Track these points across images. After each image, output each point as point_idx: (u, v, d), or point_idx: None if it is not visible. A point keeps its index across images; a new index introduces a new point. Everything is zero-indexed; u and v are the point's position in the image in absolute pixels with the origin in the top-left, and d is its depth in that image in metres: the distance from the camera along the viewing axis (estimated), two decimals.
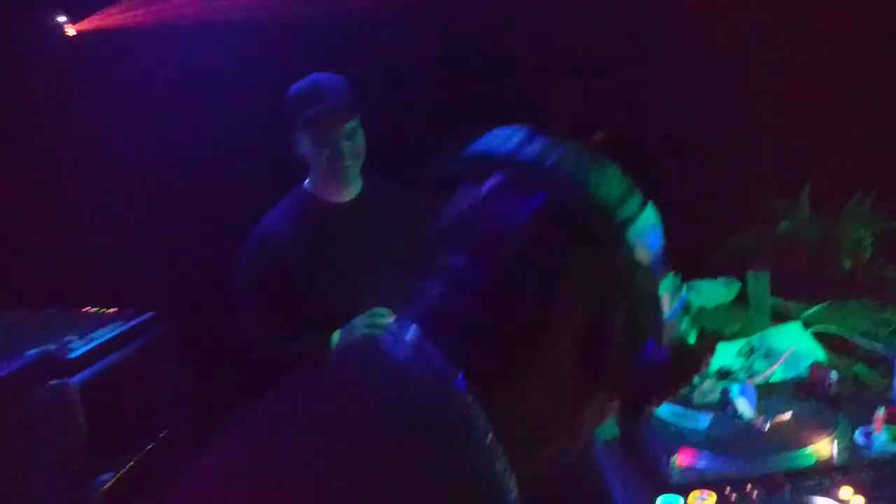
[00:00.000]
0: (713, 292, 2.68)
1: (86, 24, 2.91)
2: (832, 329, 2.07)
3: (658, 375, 0.68)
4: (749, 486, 1.23)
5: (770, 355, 1.97)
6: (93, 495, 2.01)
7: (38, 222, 2.83)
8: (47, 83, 2.77)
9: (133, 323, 2.39)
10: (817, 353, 1.87)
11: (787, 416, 1.48)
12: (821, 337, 2.04)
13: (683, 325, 0.71)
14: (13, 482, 1.79)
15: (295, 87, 1.90)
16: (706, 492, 1.24)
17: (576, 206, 0.64)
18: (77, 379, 2.02)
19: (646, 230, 0.66)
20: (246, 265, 1.91)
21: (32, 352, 1.86)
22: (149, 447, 2.35)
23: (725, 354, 2.05)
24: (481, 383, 0.62)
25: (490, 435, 0.61)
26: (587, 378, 0.66)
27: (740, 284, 2.56)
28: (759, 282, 2.45)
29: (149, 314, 2.47)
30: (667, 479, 1.32)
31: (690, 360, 0.72)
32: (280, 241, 1.89)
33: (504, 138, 0.68)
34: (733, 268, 2.60)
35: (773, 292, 2.52)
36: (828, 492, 1.19)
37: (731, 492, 1.23)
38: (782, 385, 1.69)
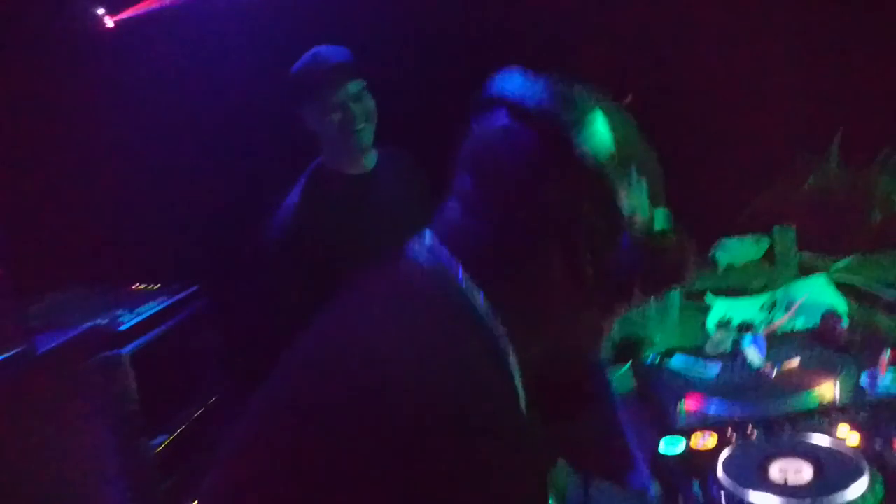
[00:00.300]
0: (742, 250, 2.69)
1: (122, 15, 3.04)
2: (855, 280, 2.08)
3: (637, 268, 0.79)
4: (749, 426, 1.28)
5: (791, 308, 1.99)
6: (148, 456, 2.17)
7: (87, 208, 3.00)
8: (87, 70, 2.91)
9: (177, 297, 2.53)
10: (838, 303, 1.88)
11: (795, 362, 1.51)
12: (847, 289, 2.04)
13: (660, 222, 0.82)
14: (75, 445, 1.95)
15: (297, 63, 1.94)
16: (708, 432, 1.29)
17: (545, 126, 0.77)
18: (127, 350, 2.17)
19: (595, 134, 0.77)
20: (273, 247, 1.96)
21: (85, 325, 1.99)
22: (199, 412, 2.51)
23: (748, 309, 2.07)
24: (484, 279, 0.78)
25: (490, 315, 0.77)
26: (572, 276, 0.78)
27: (769, 241, 2.56)
28: (785, 236, 2.45)
29: (192, 289, 2.61)
30: (673, 423, 1.37)
31: (671, 252, 0.81)
32: (302, 219, 1.93)
33: (506, 79, 0.84)
34: (763, 225, 2.60)
35: (803, 247, 2.52)
36: (826, 430, 1.23)
37: (732, 432, 1.27)
38: (795, 334, 1.72)
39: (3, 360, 1.49)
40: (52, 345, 1.76)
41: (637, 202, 0.80)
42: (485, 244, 0.80)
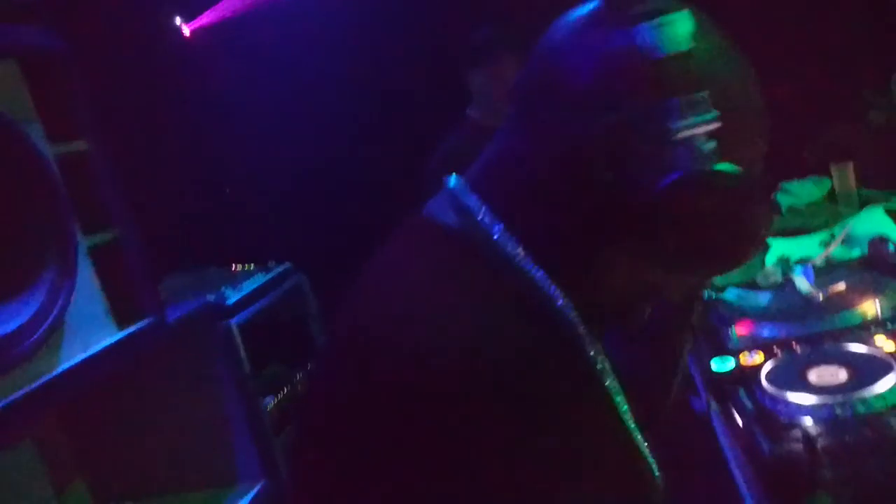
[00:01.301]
0: (803, 191, 2.74)
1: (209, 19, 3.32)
2: None
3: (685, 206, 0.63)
4: (794, 343, 1.41)
5: (849, 242, 2.06)
6: (262, 414, 2.45)
7: (192, 199, 3.31)
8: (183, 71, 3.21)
9: (273, 273, 2.80)
10: (889, 230, 1.95)
11: (842, 286, 1.61)
12: None
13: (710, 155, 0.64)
14: (202, 404, 2.24)
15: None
16: (755, 351, 1.43)
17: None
18: (235, 321, 2.45)
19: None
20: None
21: (196, 302, 2.28)
22: (299, 377, 2.79)
23: (806, 246, 2.16)
24: (521, 229, 0.69)
25: (531, 269, 0.67)
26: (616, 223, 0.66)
27: (830, 182, 2.61)
28: (844, 174, 2.50)
29: (286, 265, 2.88)
30: (725, 346, 1.51)
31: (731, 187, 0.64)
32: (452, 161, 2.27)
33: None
34: (824, 166, 2.65)
35: (867, 185, 2.56)
36: (863, 340, 1.34)
37: (777, 349, 1.41)
38: (845, 262, 1.81)
39: (142, 327, 1.76)
40: (178, 315, 2.03)
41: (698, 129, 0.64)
42: (520, 179, 0.70)
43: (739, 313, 1.64)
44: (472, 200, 0.70)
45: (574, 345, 0.69)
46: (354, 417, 0.64)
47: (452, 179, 0.74)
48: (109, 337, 1.69)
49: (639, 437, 0.72)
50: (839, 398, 1.17)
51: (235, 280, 2.73)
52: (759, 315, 1.61)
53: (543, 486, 0.59)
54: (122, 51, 2.81)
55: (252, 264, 2.95)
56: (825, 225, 2.33)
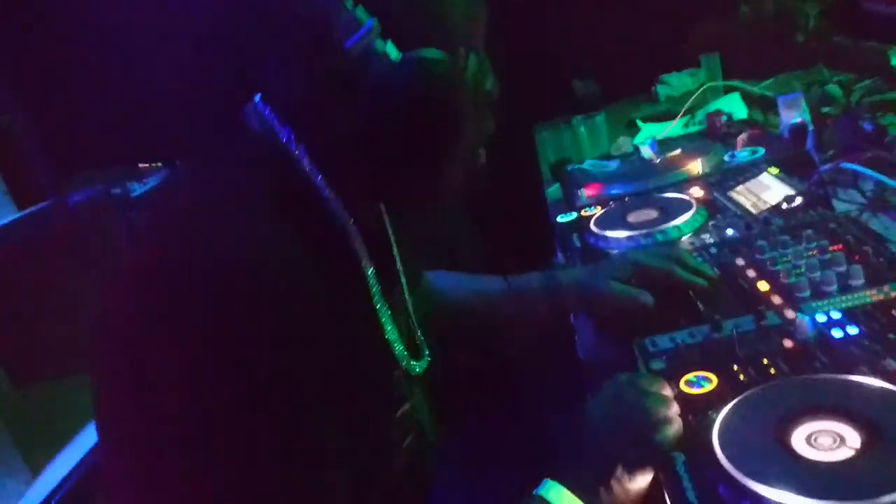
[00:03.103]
0: (679, 82, 2.95)
1: None
2: (756, 90, 2.34)
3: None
4: (627, 197, 1.63)
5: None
6: None
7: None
8: None
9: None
10: (732, 108, 2.17)
11: (678, 151, 1.83)
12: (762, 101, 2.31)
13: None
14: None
15: None
16: (595, 206, 1.63)
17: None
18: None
19: None
20: None
21: (94, 189, 2.35)
22: None
23: (674, 128, 2.37)
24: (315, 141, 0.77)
25: (323, 184, 0.77)
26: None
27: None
28: (712, 63, 2.71)
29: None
30: (574, 204, 1.72)
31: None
32: None
33: None
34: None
35: (740, 76, 2.78)
36: (680, 190, 1.56)
37: (612, 203, 1.62)
38: (688, 134, 2.03)
39: (41, 208, 1.85)
40: (78, 199, 2.12)
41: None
42: (296, 95, 0.77)
43: (591, 178, 1.84)
44: (268, 112, 0.78)
45: (337, 236, 0.78)
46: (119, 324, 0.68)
47: (263, 105, 0.79)
48: (6, 216, 1.79)
49: (390, 328, 0.83)
50: (645, 231, 1.39)
51: (142, 176, 2.81)
52: (608, 178, 1.82)
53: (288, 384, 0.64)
54: None
55: (159, 163, 3.02)
56: (691, 111, 2.56)
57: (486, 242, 2.87)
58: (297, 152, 0.76)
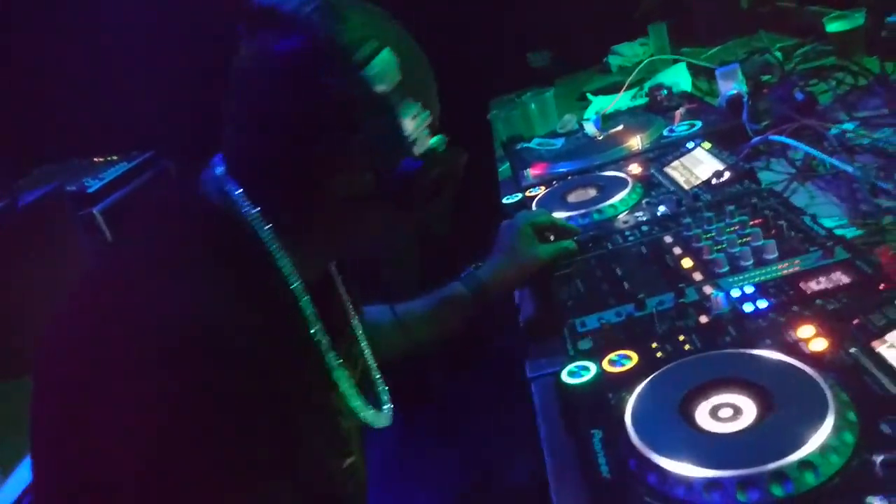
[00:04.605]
0: (632, 52, 2.98)
1: None
2: (698, 61, 2.38)
3: (421, 180, 0.82)
4: (570, 175, 1.67)
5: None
6: None
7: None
8: None
9: (136, 161, 2.87)
10: (686, 82, 2.21)
11: (620, 127, 1.87)
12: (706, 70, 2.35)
13: (433, 142, 0.86)
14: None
15: None
16: (539, 186, 1.67)
17: (318, 47, 0.77)
18: (98, 208, 2.55)
19: (382, 69, 0.79)
20: None
21: (48, 187, 2.35)
22: None
23: (621, 100, 2.41)
24: (266, 200, 0.82)
25: (274, 243, 0.82)
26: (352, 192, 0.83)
27: None
28: (659, 32, 2.74)
29: (148, 153, 2.95)
30: (519, 184, 1.75)
31: (446, 164, 0.86)
32: None
33: None
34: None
35: (691, 43, 2.82)
36: (619, 168, 1.61)
37: (556, 182, 1.66)
38: (632, 108, 2.07)
39: None
40: (30, 199, 2.12)
41: (418, 126, 0.83)
42: (264, 163, 0.81)
43: (537, 157, 1.88)
44: (232, 186, 0.82)
45: (285, 293, 0.83)
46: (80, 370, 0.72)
47: (218, 164, 0.85)
48: None
49: (340, 374, 0.88)
50: (582, 210, 1.43)
51: (97, 171, 2.79)
52: (553, 157, 1.86)
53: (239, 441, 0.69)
54: None
55: (115, 156, 3.00)
56: (640, 81, 2.59)
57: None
58: (250, 217, 0.81)
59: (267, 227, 0.81)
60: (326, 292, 0.94)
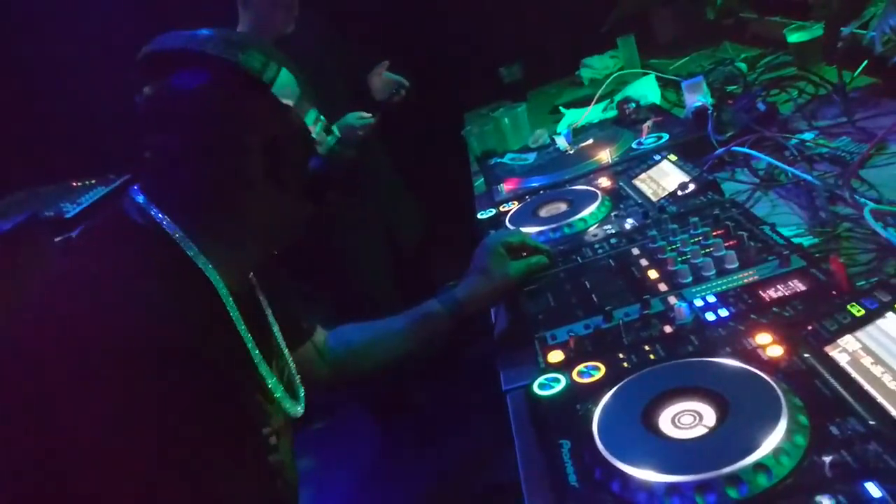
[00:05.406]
0: (602, 64, 3.03)
1: None
2: (665, 74, 2.44)
3: (326, 174, 1.00)
4: (542, 190, 1.71)
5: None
6: None
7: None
8: None
9: (113, 185, 2.88)
10: (654, 94, 2.26)
11: (590, 141, 1.92)
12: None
13: (330, 142, 1.03)
14: None
15: None
16: (512, 202, 1.71)
17: (229, 77, 0.89)
18: (76, 233, 2.54)
19: (285, 84, 0.92)
20: None
21: (24, 215, 2.35)
22: None
23: (593, 112, 2.46)
24: (190, 222, 0.91)
25: (200, 257, 0.90)
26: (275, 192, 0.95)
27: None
28: (628, 44, 2.80)
29: (125, 177, 2.95)
30: (493, 200, 1.79)
31: (341, 159, 1.08)
32: None
33: (175, 36, 0.92)
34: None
35: (658, 55, 2.88)
36: (588, 182, 1.65)
37: (529, 196, 1.69)
38: (602, 121, 2.11)
39: None
40: (7, 227, 2.12)
41: (319, 129, 0.98)
42: (187, 188, 0.90)
43: (510, 172, 1.92)
44: (156, 212, 0.90)
45: (214, 301, 0.91)
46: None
47: (137, 194, 0.92)
48: None
49: (266, 373, 0.96)
50: (554, 225, 1.46)
51: (75, 195, 2.79)
52: (525, 172, 1.89)
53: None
54: None
55: (92, 179, 3.00)
56: (611, 93, 2.64)
57: (425, 242, 2.95)
58: (177, 236, 0.90)
59: (192, 244, 0.90)
60: (249, 300, 1.04)
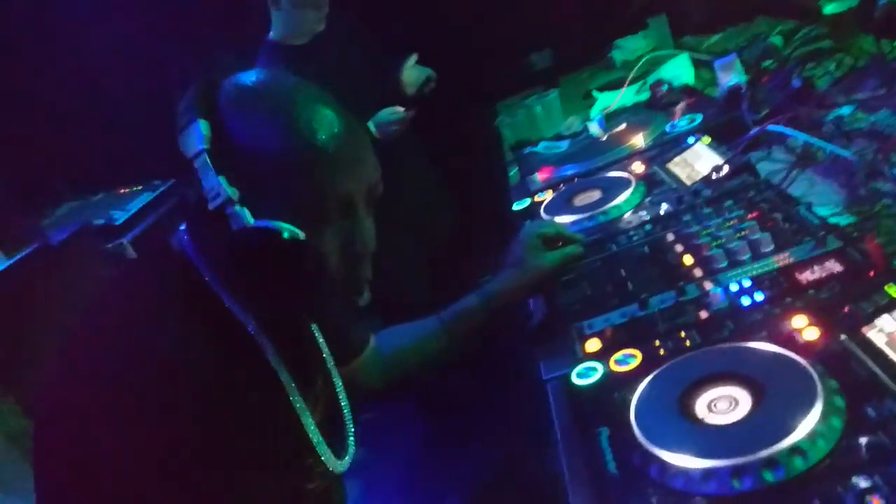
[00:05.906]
0: (634, 45, 3.00)
1: None
2: (702, 56, 2.40)
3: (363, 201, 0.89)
4: (576, 178, 1.71)
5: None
6: None
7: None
8: None
9: (159, 191, 2.97)
10: (688, 74, 2.24)
11: (623, 126, 1.91)
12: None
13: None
14: None
15: None
16: (546, 191, 1.72)
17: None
18: (128, 238, 2.64)
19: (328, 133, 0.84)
20: None
21: (77, 224, 2.44)
22: None
23: (626, 95, 2.44)
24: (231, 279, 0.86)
25: (237, 309, 0.87)
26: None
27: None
28: (660, 23, 2.77)
29: (170, 181, 3.04)
30: (528, 190, 1.80)
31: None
32: None
33: None
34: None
35: (691, 33, 2.83)
36: (622, 168, 1.65)
37: (563, 185, 1.70)
38: (635, 105, 2.10)
39: (26, 254, 1.94)
40: (62, 237, 2.21)
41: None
42: (235, 244, 0.82)
43: (543, 161, 1.93)
44: (195, 257, 0.87)
45: (257, 353, 0.88)
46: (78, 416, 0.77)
47: (183, 236, 0.89)
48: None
49: (311, 426, 0.92)
50: (588, 214, 1.48)
51: (123, 202, 2.89)
52: (559, 160, 1.90)
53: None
54: None
55: (138, 185, 3.10)
56: (644, 74, 2.62)
57: (461, 237, 2.96)
58: (208, 279, 0.87)
59: (222, 286, 0.86)
60: (294, 337, 0.97)
